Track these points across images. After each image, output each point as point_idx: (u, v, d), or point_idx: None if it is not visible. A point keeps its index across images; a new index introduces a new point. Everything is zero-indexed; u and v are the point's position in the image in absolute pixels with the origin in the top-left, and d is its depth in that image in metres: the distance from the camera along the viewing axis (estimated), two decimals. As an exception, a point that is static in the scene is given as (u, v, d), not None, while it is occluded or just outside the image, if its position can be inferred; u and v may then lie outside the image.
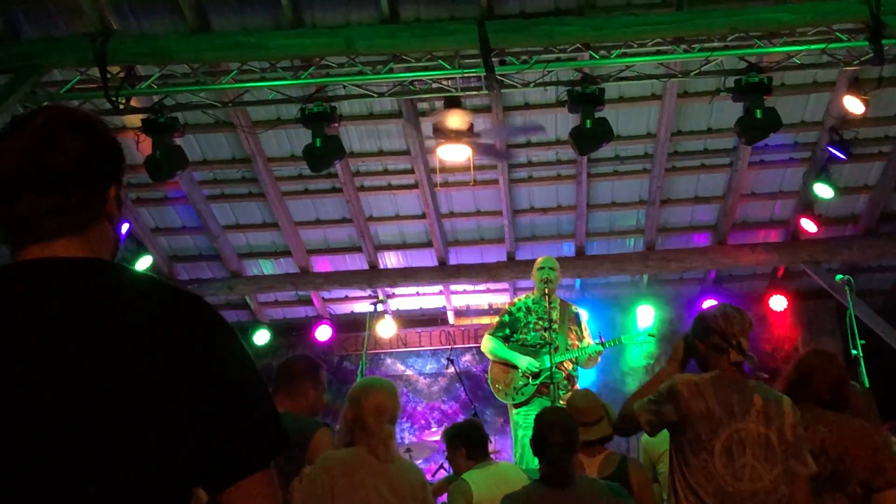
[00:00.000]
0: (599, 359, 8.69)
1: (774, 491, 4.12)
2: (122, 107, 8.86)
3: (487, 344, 8.76)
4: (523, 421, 8.21)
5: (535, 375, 8.36)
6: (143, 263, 11.97)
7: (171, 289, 1.87)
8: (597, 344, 8.53)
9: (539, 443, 4.91)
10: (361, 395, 4.72)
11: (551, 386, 8.00)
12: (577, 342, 8.65)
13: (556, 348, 8.15)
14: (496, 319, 8.94)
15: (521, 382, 8.45)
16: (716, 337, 4.39)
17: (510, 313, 8.79)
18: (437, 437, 10.64)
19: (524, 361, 8.42)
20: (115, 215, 1.95)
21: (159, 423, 1.72)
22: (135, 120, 9.46)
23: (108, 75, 8.46)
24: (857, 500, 4.15)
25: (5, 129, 1.89)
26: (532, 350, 8.47)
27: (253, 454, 1.84)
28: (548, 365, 8.19)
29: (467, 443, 6.29)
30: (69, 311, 1.74)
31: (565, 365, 8.36)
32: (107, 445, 1.68)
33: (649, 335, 8.93)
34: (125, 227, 11.27)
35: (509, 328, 8.70)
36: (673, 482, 4.29)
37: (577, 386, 8.53)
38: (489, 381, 8.75)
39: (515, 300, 9.07)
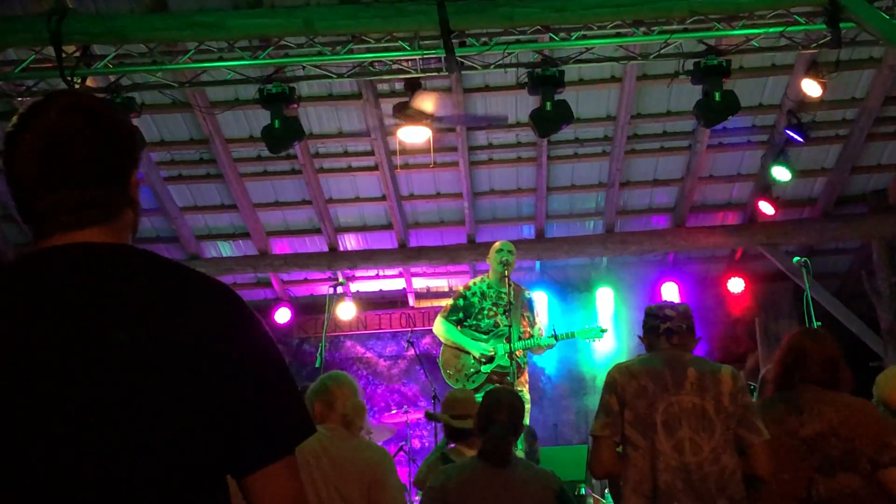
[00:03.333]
0: (548, 349, 8.71)
1: (716, 462, 4.18)
2: (77, 87, 8.74)
3: (440, 328, 8.73)
4: None
5: (489, 361, 8.36)
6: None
7: (199, 276, 1.87)
8: (550, 337, 8.55)
9: (483, 419, 4.96)
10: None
11: (511, 371, 8.00)
12: (528, 329, 8.65)
13: (509, 337, 8.15)
14: (449, 302, 8.91)
15: (472, 369, 8.45)
16: (651, 320, 4.66)
17: (464, 297, 8.75)
18: (397, 420, 10.65)
19: (478, 347, 8.42)
20: (137, 200, 1.94)
21: (190, 407, 1.73)
22: (90, 100, 9.32)
23: (64, 55, 8.32)
24: (867, 477, 4.19)
25: (20, 122, 1.85)
26: (485, 337, 8.47)
27: (280, 440, 1.86)
28: (501, 352, 8.20)
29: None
30: (99, 296, 1.73)
31: (516, 353, 8.36)
32: (138, 430, 1.68)
33: (601, 330, 8.95)
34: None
35: (463, 312, 8.67)
36: (627, 468, 4.33)
37: (526, 374, 8.56)
38: (440, 365, 8.74)
39: (470, 283, 9.01)
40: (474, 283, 8.88)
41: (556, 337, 8.52)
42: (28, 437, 1.64)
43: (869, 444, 4.20)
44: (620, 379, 4.43)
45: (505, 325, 8.24)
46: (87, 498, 1.64)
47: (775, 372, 4.58)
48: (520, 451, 6.22)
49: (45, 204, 1.81)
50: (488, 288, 8.67)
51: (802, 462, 4.19)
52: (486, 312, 8.57)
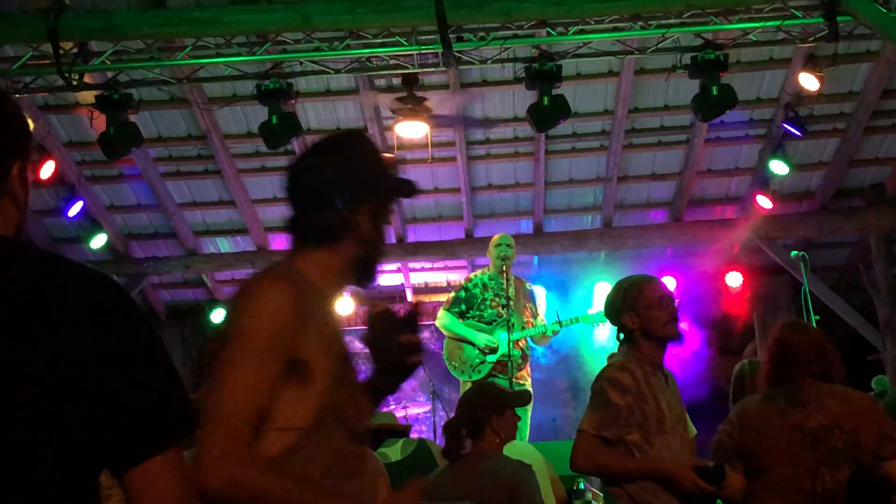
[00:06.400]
0: (552, 336, 8.71)
1: None
2: (75, 83, 8.74)
3: (443, 319, 8.73)
4: None
5: (493, 351, 8.37)
6: (98, 242, 11.83)
7: (73, 265, 1.78)
8: (554, 323, 8.55)
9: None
10: None
11: (509, 364, 8.00)
12: (531, 319, 8.67)
13: (512, 326, 8.16)
14: (451, 294, 8.91)
15: (477, 360, 8.45)
16: None
17: (466, 289, 8.76)
18: (396, 415, 10.63)
19: (482, 338, 8.42)
20: (19, 193, 1.81)
21: (59, 400, 1.63)
22: (88, 97, 9.35)
23: (61, 51, 8.32)
24: (867, 470, 4.19)
25: None
26: (488, 327, 8.48)
27: (158, 433, 1.75)
28: (504, 342, 8.21)
29: None
30: None
31: (520, 342, 8.37)
32: (5, 421, 1.59)
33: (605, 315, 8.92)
34: (79, 205, 11.16)
35: (465, 304, 8.68)
36: None
37: (528, 368, 8.57)
38: (445, 357, 8.74)
39: (471, 276, 9.04)
40: (475, 276, 8.89)
41: (560, 323, 8.51)
42: None
43: (871, 437, 4.19)
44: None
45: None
46: None
47: (766, 368, 4.57)
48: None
49: None
50: (489, 280, 8.68)
51: (808, 454, 4.19)
52: (488, 303, 8.57)
